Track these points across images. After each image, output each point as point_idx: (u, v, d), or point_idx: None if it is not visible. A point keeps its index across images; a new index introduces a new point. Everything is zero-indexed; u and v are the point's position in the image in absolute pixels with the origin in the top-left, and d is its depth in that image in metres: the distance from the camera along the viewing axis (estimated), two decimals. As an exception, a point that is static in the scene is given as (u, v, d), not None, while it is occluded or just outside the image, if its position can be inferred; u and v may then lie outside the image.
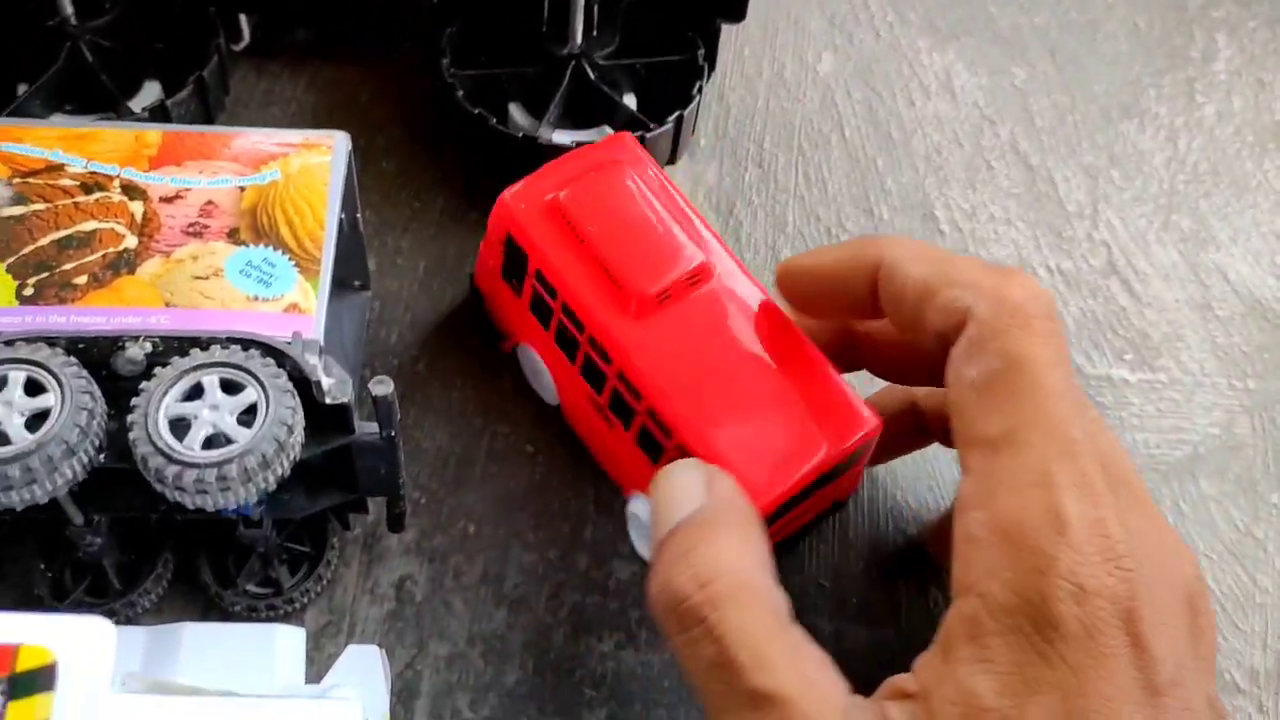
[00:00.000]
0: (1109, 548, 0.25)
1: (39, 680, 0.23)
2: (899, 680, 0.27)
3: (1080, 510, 0.25)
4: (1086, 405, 0.29)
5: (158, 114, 0.40)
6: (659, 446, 0.33)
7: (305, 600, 0.35)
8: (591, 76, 0.42)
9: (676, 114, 0.41)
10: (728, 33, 0.47)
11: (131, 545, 0.34)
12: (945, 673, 0.26)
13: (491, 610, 0.36)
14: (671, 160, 0.44)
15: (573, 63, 0.41)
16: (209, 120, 0.42)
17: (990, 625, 0.25)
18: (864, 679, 0.35)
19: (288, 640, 0.31)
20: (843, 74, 0.50)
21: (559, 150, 0.39)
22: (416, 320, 0.41)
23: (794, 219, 0.45)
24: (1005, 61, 0.51)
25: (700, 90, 0.42)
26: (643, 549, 0.36)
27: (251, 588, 0.34)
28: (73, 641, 0.23)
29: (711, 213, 0.44)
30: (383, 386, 0.29)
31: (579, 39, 0.41)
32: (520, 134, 0.40)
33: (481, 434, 0.39)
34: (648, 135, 0.40)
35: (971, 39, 0.51)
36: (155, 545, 0.34)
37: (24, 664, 0.23)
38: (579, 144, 0.40)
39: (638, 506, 0.35)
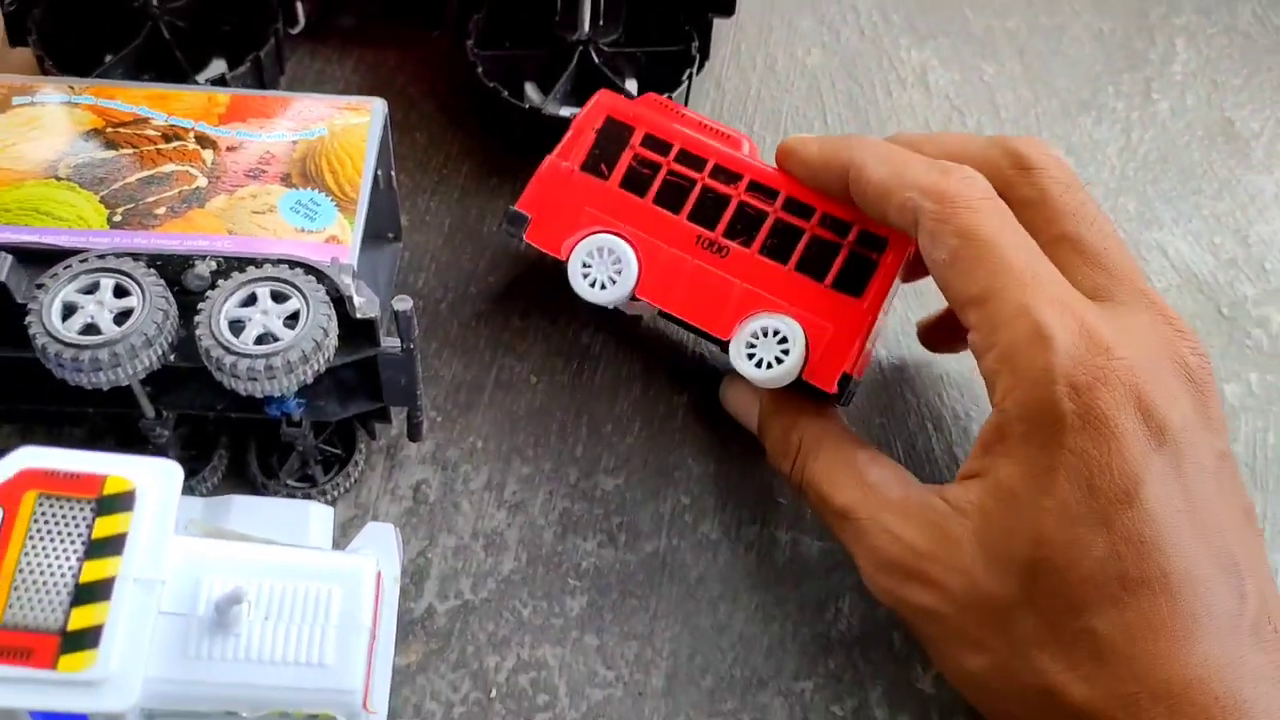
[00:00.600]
0: (1094, 344, 0.31)
1: (120, 503, 0.29)
2: (965, 466, 0.34)
3: (1061, 323, 0.31)
4: (1045, 247, 0.34)
5: (219, 86, 0.46)
6: (797, 233, 0.40)
7: (335, 495, 0.41)
8: (596, 61, 0.48)
9: (667, 96, 0.47)
10: (726, 28, 0.53)
11: (192, 443, 0.40)
12: (985, 463, 0.32)
13: (493, 511, 0.41)
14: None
15: (580, 48, 0.48)
16: (267, 93, 0.49)
17: (1011, 431, 0.32)
18: (819, 586, 0.41)
19: (319, 514, 0.37)
20: (829, 67, 0.55)
21: (564, 122, 0.45)
22: (440, 269, 0.47)
23: (777, 193, 0.51)
24: (977, 59, 0.56)
25: (690, 77, 0.48)
26: (755, 371, 0.39)
27: (291, 481, 0.40)
28: (149, 475, 0.29)
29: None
30: (403, 303, 0.36)
31: (586, 28, 0.47)
32: (528, 106, 0.46)
33: (491, 366, 0.45)
34: (645, 114, 0.46)
35: (947, 39, 0.57)
36: (212, 442, 0.40)
37: (109, 489, 0.29)
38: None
39: (764, 322, 0.39)
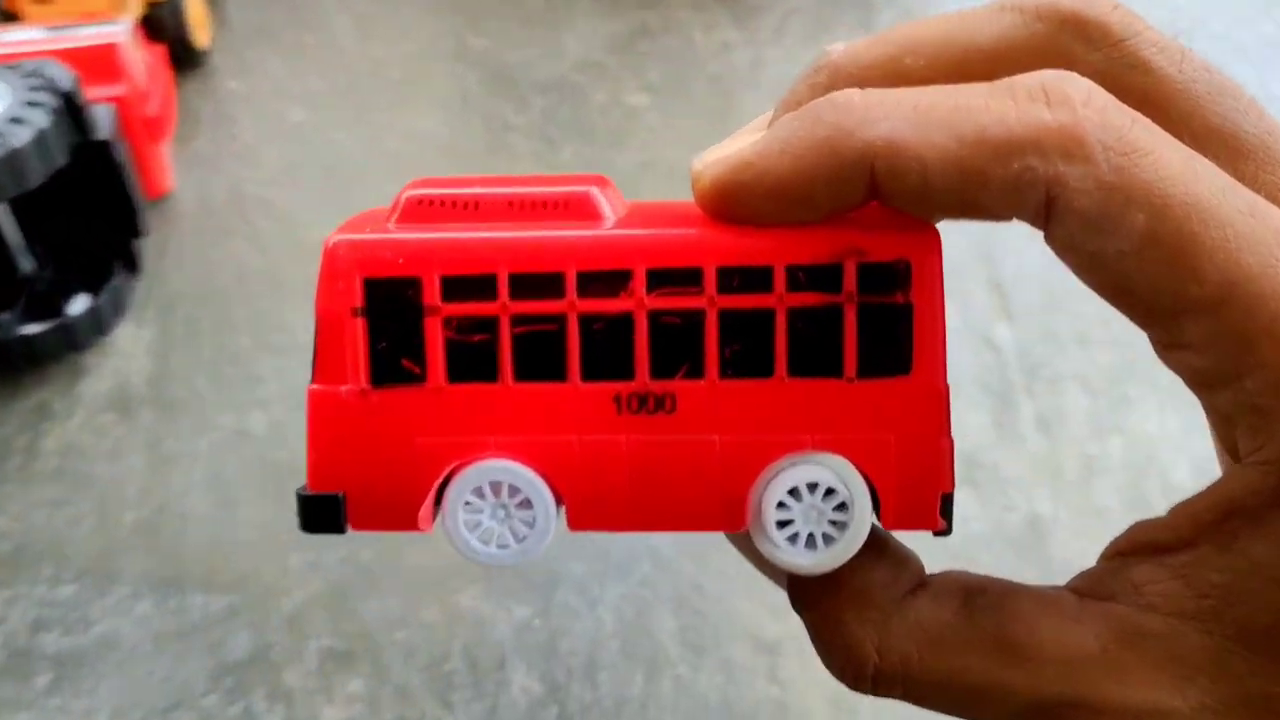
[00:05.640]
0: None
1: None
2: (1153, 533, 0.21)
3: None
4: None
5: None
6: (763, 320, 0.22)
7: None
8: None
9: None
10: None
11: None
12: (1225, 546, 0.20)
13: None
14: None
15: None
16: None
17: None
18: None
19: None
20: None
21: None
22: None
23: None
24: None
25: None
26: (803, 560, 0.23)
27: None
28: None
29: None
30: None
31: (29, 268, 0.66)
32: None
33: None
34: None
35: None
36: None
37: None
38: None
39: (787, 480, 0.22)
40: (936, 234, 0.22)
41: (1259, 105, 0.21)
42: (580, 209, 0.22)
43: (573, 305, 0.22)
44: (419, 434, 0.23)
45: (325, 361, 0.22)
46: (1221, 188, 0.19)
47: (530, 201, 0.22)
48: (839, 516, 0.22)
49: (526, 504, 0.23)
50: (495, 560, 0.23)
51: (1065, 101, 0.18)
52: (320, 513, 0.23)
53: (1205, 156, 0.20)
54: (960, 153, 0.19)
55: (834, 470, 0.22)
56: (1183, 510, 0.20)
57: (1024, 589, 0.21)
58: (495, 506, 0.23)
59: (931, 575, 0.23)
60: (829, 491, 0.22)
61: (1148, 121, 0.19)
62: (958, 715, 0.21)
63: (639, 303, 0.22)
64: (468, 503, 0.23)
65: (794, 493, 0.22)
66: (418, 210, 0.22)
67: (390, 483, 0.23)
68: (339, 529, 0.23)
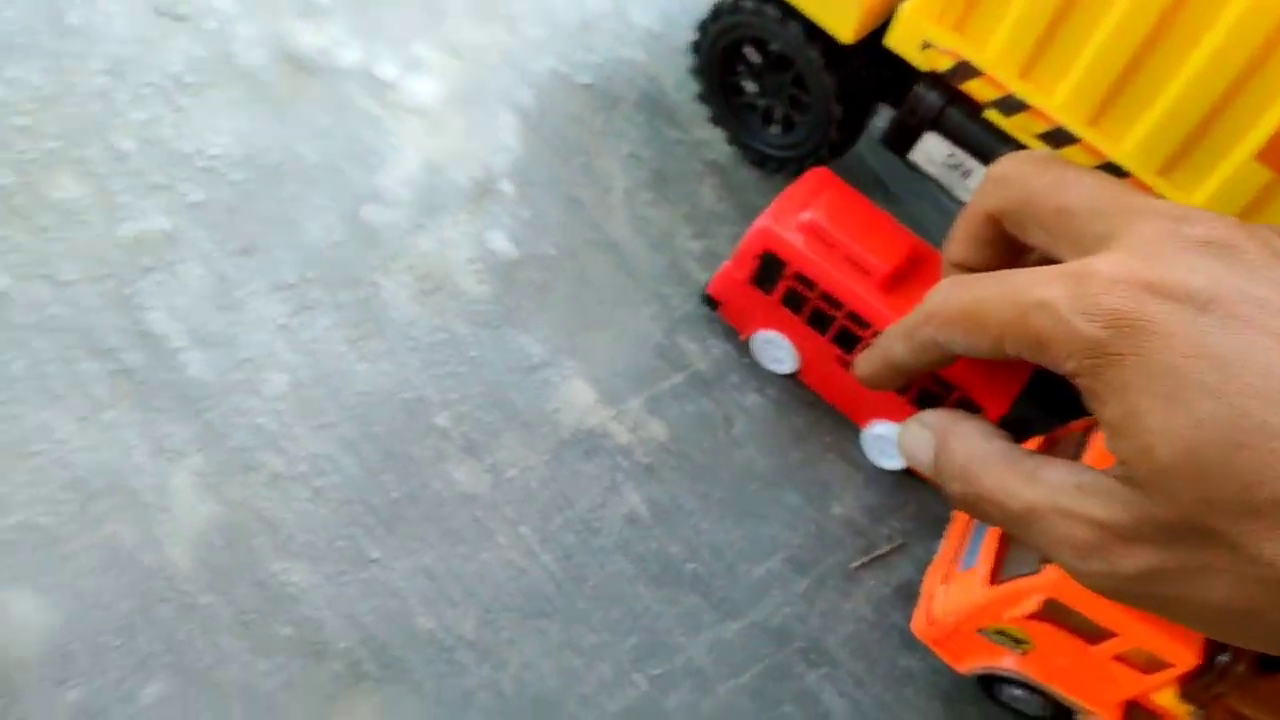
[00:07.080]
0: (1080, 276, 0.31)
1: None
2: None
3: (1048, 287, 0.31)
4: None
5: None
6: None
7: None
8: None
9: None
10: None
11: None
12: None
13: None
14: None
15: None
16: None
17: (1084, 387, 0.31)
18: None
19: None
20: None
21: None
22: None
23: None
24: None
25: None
26: (881, 460, 0.51)
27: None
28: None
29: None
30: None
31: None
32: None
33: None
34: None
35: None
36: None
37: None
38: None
39: (879, 429, 0.50)
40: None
41: (1075, 173, 0.34)
42: (881, 283, 0.46)
43: (842, 316, 0.47)
44: (755, 309, 0.50)
45: (738, 263, 0.49)
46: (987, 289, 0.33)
47: (860, 264, 0.46)
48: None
49: (783, 354, 0.51)
50: (774, 368, 0.52)
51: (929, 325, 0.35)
52: (709, 301, 0.52)
53: (1060, 225, 0.33)
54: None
55: (892, 433, 0.50)
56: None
57: (1055, 461, 0.33)
58: (772, 345, 0.51)
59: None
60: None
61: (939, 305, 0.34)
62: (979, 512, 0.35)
63: (868, 337, 0.47)
64: (764, 342, 0.51)
65: (880, 435, 0.50)
66: (807, 228, 0.47)
67: (736, 312, 0.51)
68: (715, 311, 0.52)
